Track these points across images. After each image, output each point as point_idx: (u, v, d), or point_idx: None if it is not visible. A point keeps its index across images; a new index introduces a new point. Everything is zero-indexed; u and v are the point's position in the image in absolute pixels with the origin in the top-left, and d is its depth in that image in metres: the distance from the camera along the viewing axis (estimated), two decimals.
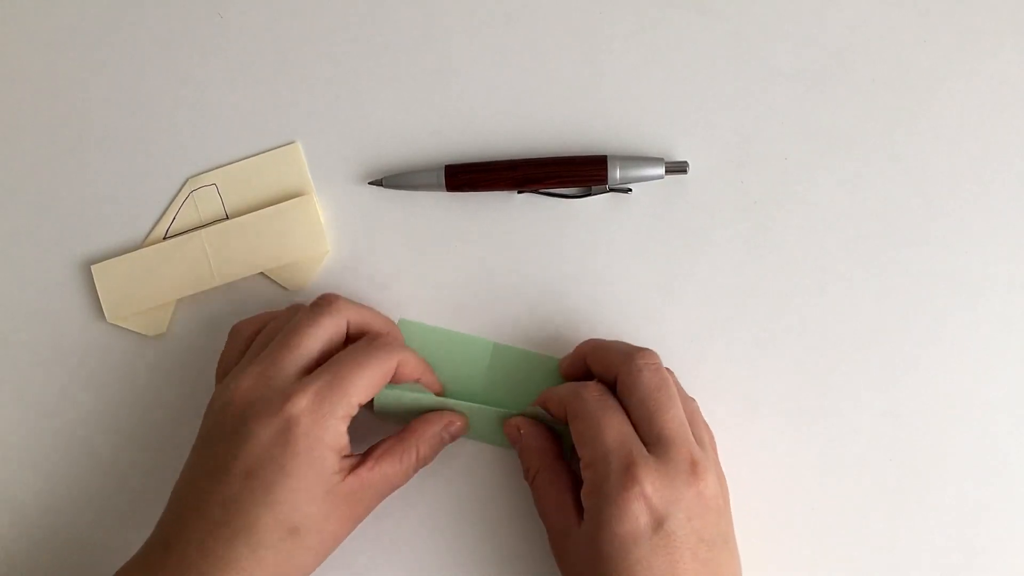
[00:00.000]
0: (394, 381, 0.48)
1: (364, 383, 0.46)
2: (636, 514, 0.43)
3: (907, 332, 0.51)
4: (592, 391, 0.47)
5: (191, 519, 0.44)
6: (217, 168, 0.54)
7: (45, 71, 0.55)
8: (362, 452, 0.48)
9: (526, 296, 0.52)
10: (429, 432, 0.49)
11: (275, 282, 0.53)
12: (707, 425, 0.49)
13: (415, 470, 0.49)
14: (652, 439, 0.45)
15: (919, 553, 0.50)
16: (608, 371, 0.48)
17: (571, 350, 0.51)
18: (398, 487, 0.48)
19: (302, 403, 0.44)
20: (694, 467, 0.44)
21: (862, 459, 0.51)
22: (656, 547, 0.43)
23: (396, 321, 0.52)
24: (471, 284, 0.53)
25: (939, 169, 0.52)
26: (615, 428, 0.45)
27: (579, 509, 0.46)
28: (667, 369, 0.48)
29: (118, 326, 0.54)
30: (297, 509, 0.44)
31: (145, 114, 0.54)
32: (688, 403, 0.48)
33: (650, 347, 0.48)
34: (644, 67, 0.53)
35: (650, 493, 0.43)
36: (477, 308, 0.52)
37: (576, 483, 0.47)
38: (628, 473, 0.43)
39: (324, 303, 0.48)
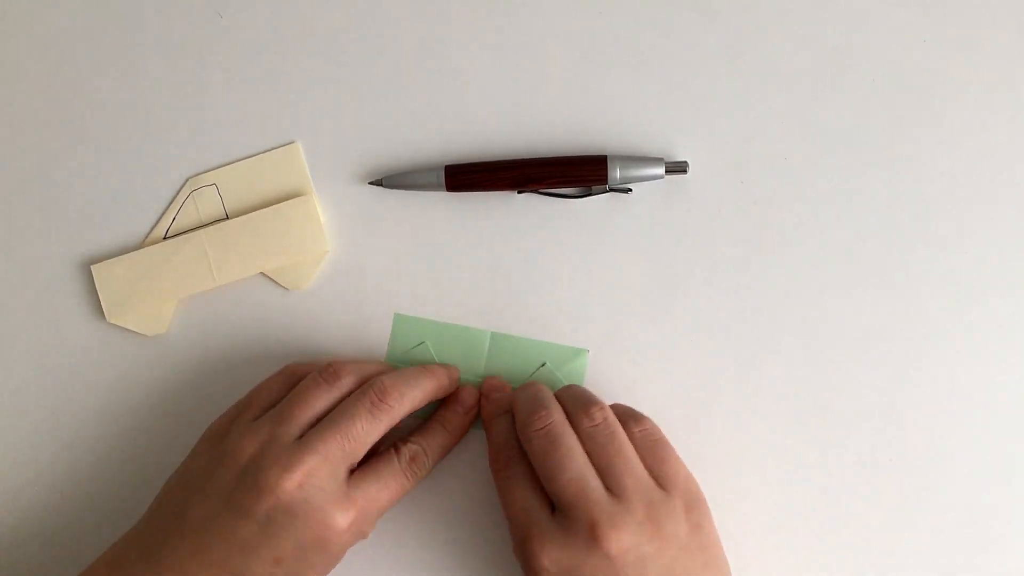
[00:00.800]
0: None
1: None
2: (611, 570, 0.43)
3: (907, 332, 0.51)
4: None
5: (205, 564, 0.44)
6: (217, 168, 0.54)
7: (45, 71, 0.55)
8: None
9: (526, 296, 0.52)
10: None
11: (275, 282, 0.53)
12: (669, 458, 0.47)
13: (412, 486, 0.49)
14: (556, 503, 0.45)
15: (920, 553, 0.50)
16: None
17: (568, 345, 0.51)
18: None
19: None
20: (593, 530, 0.43)
21: (862, 459, 0.51)
22: None
23: (392, 315, 0.52)
24: (471, 284, 0.53)
25: (939, 169, 0.52)
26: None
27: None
28: (602, 409, 0.47)
29: (118, 326, 0.54)
30: None
31: (145, 114, 0.54)
32: (648, 437, 0.47)
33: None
34: (644, 67, 0.53)
35: (547, 565, 0.43)
36: (477, 308, 0.52)
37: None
38: (524, 547, 0.44)
39: (379, 400, 0.47)
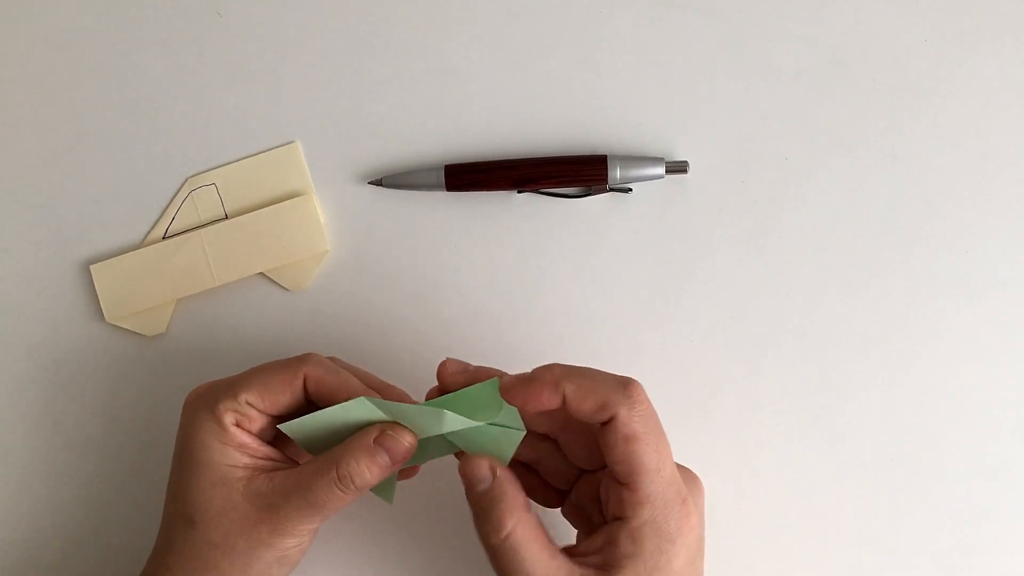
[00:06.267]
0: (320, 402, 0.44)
1: (258, 381, 0.44)
2: (691, 544, 0.41)
3: (907, 332, 0.51)
4: (646, 399, 0.41)
5: None
6: (217, 168, 0.54)
7: (45, 71, 0.55)
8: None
9: (526, 295, 0.52)
10: (358, 444, 0.43)
11: (275, 282, 0.53)
12: None
13: (345, 487, 0.42)
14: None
15: (920, 553, 0.51)
16: (599, 405, 0.40)
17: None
18: (330, 507, 0.43)
19: (197, 391, 0.46)
20: (683, 498, 0.42)
21: (862, 459, 0.51)
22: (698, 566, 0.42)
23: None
24: (471, 284, 0.53)
25: (939, 169, 0.52)
26: (670, 455, 0.41)
27: (566, 555, 0.41)
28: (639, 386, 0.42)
29: (117, 326, 0.54)
30: (188, 500, 0.44)
31: (145, 114, 0.54)
32: None
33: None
34: (644, 67, 0.53)
35: (697, 522, 0.42)
36: (477, 307, 0.52)
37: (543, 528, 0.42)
38: (685, 506, 0.40)
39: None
